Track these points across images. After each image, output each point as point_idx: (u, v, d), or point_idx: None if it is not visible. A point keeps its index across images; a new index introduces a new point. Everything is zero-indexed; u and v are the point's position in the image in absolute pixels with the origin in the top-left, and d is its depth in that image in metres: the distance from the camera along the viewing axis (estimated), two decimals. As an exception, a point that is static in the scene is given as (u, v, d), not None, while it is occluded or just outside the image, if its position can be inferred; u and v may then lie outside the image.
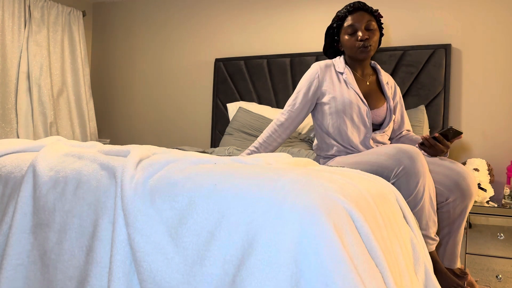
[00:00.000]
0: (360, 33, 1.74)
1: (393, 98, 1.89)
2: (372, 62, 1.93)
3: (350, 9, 1.78)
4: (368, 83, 1.84)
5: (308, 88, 1.81)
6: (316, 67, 1.83)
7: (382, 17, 1.81)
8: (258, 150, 1.80)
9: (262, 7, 3.24)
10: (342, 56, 1.87)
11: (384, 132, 1.81)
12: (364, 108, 1.75)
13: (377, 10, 1.80)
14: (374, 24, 1.76)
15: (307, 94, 1.81)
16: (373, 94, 1.83)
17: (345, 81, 1.79)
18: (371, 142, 1.77)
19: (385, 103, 1.83)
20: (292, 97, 1.84)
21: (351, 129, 1.74)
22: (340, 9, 2.98)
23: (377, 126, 1.84)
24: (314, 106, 1.86)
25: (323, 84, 1.80)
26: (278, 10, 3.19)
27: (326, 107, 1.79)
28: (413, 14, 2.79)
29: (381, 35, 1.85)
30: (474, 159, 2.40)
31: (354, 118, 1.75)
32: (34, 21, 3.25)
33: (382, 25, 1.84)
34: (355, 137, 1.75)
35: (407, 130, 1.93)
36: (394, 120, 1.88)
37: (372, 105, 1.80)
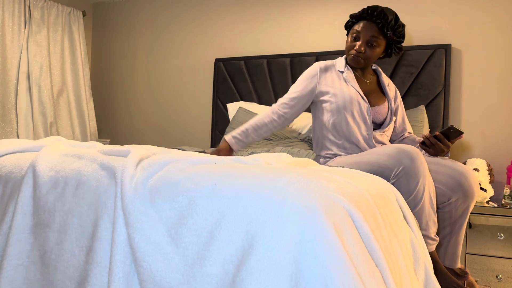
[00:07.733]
0: (358, 44, 1.75)
1: (394, 100, 1.92)
2: (374, 65, 1.95)
3: (366, 12, 1.73)
4: (368, 83, 1.87)
5: (306, 86, 1.83)
6: (316, 67, 1.86)
7: (396, 39, 1.75)
8: (246, 131, 1.78)
9: (262, 7, 3.24)
10: (344, 56, 1.89)
11: (384, 132, 1.82)
12: (365, 105, 1.76)
13: (390, 33, 1.72)
14: (378, 41, 1.73)
15: (303, 90, 1.83)
16: (373, 93, 1.86)
17: (345, 79, 1.82)
18: (373, 141, 1.78)
19: (386, 102, 1.85)
20: (289, 92, 1.85)
21: (352, 125, 1.75)
22: (341, 9, 2.98)
23: (378, 126, 1.85)
24: (315, 104, 1.87)
25: (322, 83, 1.82)
26: (278, 10, 3.19)
27: (327, 105, 1.80)
28: (413, 14, 2.79)
29: (389, 52, 1.81)
30: (474, 159, 2.40)
31: (355, 114, 1.76)
32: (34, 21, 3.25)
33: (399, 46, 1.79)
34: (357, 134, 1.75)
35: (409, 133, 1.95)
36: (395, 122, 1.90)
37: (372, 103, 1.82)
